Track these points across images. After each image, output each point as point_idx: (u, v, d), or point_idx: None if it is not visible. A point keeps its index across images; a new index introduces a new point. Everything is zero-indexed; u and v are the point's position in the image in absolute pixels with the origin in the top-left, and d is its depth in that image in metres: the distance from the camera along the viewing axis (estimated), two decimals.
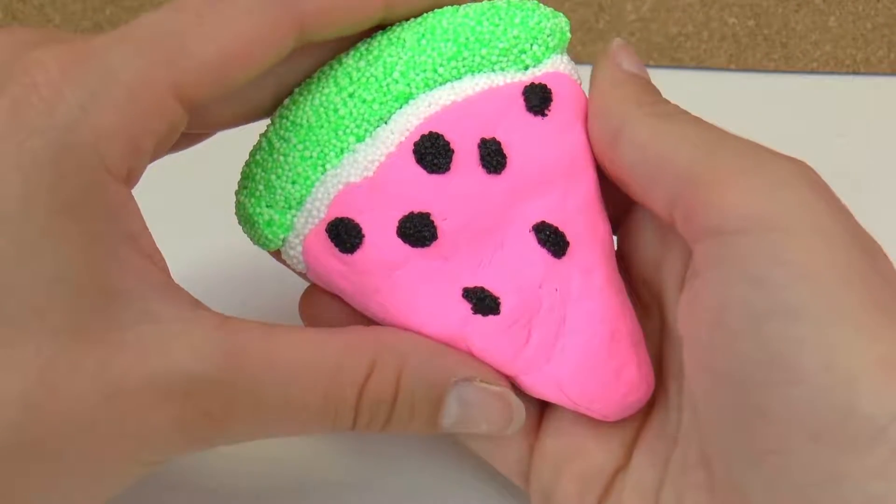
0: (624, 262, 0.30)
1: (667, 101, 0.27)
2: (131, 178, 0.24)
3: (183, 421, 0.24)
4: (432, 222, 0.27)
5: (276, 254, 0.29)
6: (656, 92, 0.28)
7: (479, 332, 0.27)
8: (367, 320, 0.28)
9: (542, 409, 0.29)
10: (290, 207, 0.27)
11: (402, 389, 0.26)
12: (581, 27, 0.45)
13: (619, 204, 0.29)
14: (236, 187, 0.28)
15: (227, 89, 0.25)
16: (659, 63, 0.45)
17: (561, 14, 0.28)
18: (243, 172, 0.28)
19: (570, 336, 0.27)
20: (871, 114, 0.45)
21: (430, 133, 0.27)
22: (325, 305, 0.29)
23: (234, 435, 0.25)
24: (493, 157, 0.27)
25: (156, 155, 0.25)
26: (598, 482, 0.28)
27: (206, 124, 0.28)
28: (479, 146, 0.27)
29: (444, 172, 0.27)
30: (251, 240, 0.28)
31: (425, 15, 0.27)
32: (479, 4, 0.28)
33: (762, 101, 0.45)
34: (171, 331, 0.24)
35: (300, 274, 0.29)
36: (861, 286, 0.22)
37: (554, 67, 0.28)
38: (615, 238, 0.30)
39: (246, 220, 0.28)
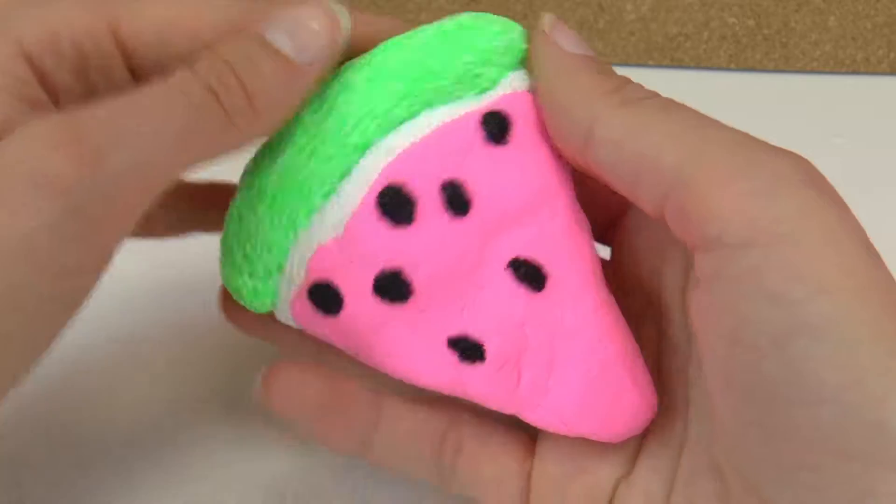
0: (616, 270, 0.29)
1: (630, 82, 0.25)
2: (46, 80, 0.24)
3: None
4: (404, 279, 0.26)
5: None
6: (614, 73, 0.25)
7: (471, 380, 0.26)
8: (354, 365, 0.28)
9: (533, 434, 0.28)
10: (270, 275, 0.26)
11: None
12: (581, 27, 0.45)
13: (609, 211, 0.28)
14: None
15: (162, 51, 0.25)
16: (659, 63, 0.45)
17: (515, 25, 0.26)
18: (222, 244, 0.27)
19: (564, 369, 0.26)
20: (871, 114, 0.45)
21: (390, 185, 0.26)
22: (295, 383, 0.28)
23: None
24: (456, 199, 0.26)
25: (77, 83, 0.25)
26: (604, 494, 0.27)
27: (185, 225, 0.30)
28: (443, 189, 0.26)
29: (409, 224, 0.26)
30: (244, 306, 0.27)
31: (373, 51, 0.26)
32: (425, 31, 0.26)
33: (762, 101, 0.45)
34: None
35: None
36: (880, 296, 0.22)
37: (512, 87, 0.26)
38: (608, 247, 0.29)
39: (233, 291, 0.27)
